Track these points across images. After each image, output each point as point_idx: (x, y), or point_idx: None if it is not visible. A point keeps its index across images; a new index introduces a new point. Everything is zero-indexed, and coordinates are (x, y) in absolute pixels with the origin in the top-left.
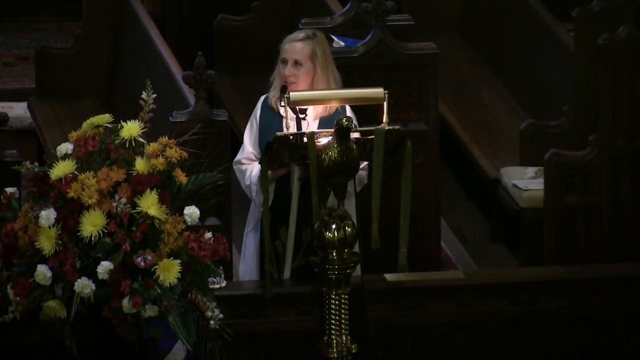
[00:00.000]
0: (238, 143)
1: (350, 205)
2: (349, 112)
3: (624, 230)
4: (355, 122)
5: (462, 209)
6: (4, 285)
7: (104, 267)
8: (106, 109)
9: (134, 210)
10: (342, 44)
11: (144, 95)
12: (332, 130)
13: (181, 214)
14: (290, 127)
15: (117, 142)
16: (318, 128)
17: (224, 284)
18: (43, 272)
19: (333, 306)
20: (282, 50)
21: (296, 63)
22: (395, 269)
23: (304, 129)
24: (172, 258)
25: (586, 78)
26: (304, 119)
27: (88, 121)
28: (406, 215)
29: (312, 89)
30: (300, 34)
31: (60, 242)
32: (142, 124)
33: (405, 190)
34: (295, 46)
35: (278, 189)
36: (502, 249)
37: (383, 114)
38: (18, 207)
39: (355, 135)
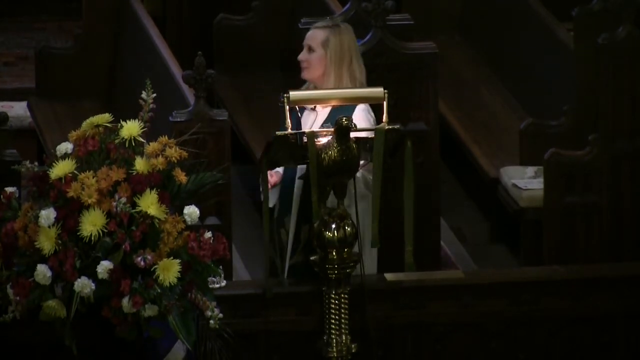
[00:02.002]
0: (238, 143)
1: (364, 206)
2: (362, 107)
3: (624, 230)
4: (371, 114)
5: (462, 209)
6: (3, 284)
7: (104, 267)
8: (106, 108)
9: (134, 210)
10: None
11: (143, 94)
12: (332, 129)
13: (181, 213)
14: (290, 125)
15: (117, 141)
16: (328, 117)
17: (223, 283)
18: (43, 272)
19: (333, 306)
20: None
21: (310, 49)
22: (395, 268)
23: (314, 118)
24: (171, 258)
25: (586, 78)
26: (313, 108)
27: (88, 121)
28: (410, 214)
29: (323, 78)
30: (322, 22)
31: (60, 241)
32: (141, 124)
33: (407, 189)
34: (313, 32)
35: (285, 177)
36: (502, 249)
37: (383, 113)
38: (18, 206)
39: (361, 134)
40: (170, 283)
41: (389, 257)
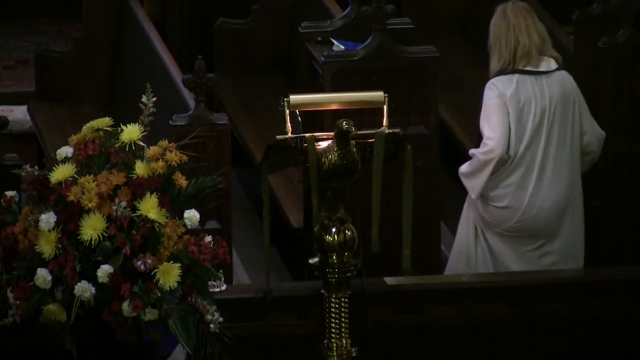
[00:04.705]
0: (238, 146)
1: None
2: None
3: (624, 233)
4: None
5: None
6: (4, 288)
7: (104, 271)
8: (106, 112)
9: (134, 214)
10: (342, 47)
11: (143, 98)
12: (332, 133)
13: (181, 217)
14: (290, 129)
15: (117, 145)
16: None
17: (224, 287)
18: (43, 276)
19: (333, 309)
20: None
21: None
22: (395, 272)
23: None
24: (172, 261)
25: (586, 81)
26: None
27: (88, 125)
28: (408, 218)
29: None
30: None
31: (60, 245)
32: (142, 128)
33: (406, 193)
34: None
35: None
36: None
37: (383, 117)
38: (18, 210)
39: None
40: (170, 287)
41: (389, 261)
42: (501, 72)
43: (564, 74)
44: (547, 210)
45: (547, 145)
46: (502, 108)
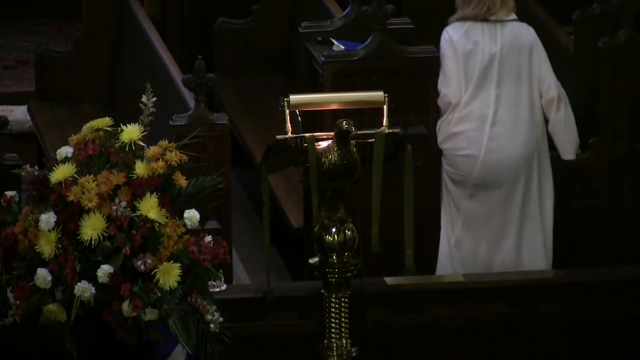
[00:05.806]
0: (238, 146)
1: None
2: None
3: (624, 233)
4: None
5: None
6: (4, 288)
7: (104, 271)
8: (106, 112)
9: (134, 214)
10: (342, 47)
11: (143, 98)
12: (332, 133)
13: (181, 217)
14: (290, 129)
15: (117, 145)
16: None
17: (224, 287)
18: (43, 276)
19: (333, 309)
20: None
21: None
22: (395, 272)
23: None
24: (172, 261)
25: (586, 81)
26: None
27: (88, 124)
28: (410, 218)
29: None
30: None
31: (60, 245)
32: (142, 128)
33: (407, 193)
34: None
35: None
36: None
37: (383, 117)
38: (18, 210)
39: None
40: (170, 287)
41: (389, 261)
42: (457, 20)
43: (522, 24)
44: (507, 157)
45: (498, 91)
46: (453, 54)
